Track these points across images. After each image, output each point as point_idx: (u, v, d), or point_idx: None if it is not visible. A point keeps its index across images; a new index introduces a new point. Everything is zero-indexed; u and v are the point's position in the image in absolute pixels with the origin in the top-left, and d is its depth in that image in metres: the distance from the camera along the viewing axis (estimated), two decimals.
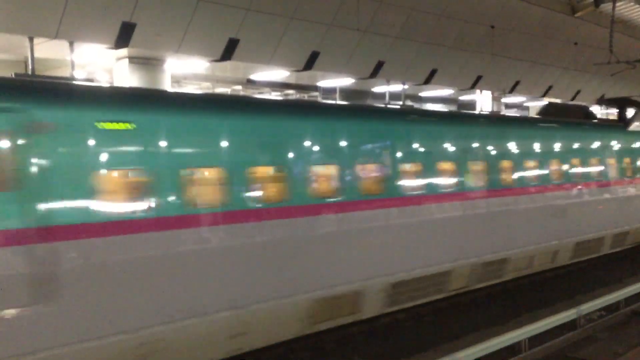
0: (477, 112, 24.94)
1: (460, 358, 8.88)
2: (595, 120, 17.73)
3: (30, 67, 13.89)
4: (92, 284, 7.20)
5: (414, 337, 11.14)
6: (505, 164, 13.14)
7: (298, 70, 18.44)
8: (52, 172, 6.97)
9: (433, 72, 21.92)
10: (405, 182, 10.86)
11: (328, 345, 10.42)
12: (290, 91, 24.60)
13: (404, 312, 11.61)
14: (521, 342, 10.10)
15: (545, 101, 31.77)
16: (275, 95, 24.06)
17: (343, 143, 10.05)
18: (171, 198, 7.87)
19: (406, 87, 23.68)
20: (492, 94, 27.20)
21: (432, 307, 12.18)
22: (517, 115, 30.70)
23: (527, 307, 12.98)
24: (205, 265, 8.16)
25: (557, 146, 14.77)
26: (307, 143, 9.55)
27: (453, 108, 30.68)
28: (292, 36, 16.82)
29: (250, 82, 21.99)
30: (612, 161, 16.72)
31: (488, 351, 9.46)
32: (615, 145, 17.07)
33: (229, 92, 22.70)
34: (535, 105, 33.73)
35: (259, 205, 8.74)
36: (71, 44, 13.70)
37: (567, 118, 16.51)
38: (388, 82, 22.18)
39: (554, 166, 14.48)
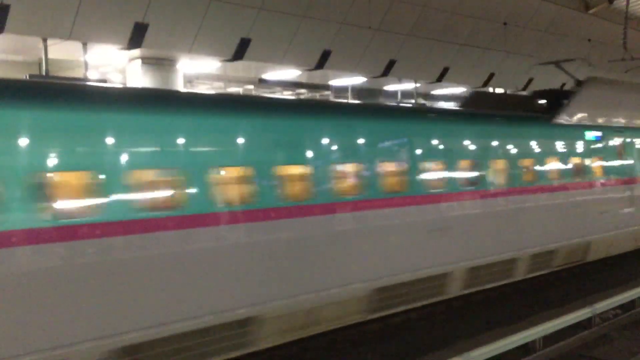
0: None
1: (473, 357, 8.85)
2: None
3: (44, 68, 14.01)
4: None
5: (427, 335, 11.11)
6: None
7: (310, 70, 18.45)
8: None
9: (445, 70, 21.85)
10: None
11: (341, 344, 10.42)
12: (302, 90, 24.61)
13: (416, 311, 11.59)
14: (535, 341, 10.04)
15: None
16: (287, 95, 24.07)
17: None
18: None
19: (418, 85, 23.64)
20: (505, 91, 27.06)
21: (445, 305, 12.15)
22: None
23: (541, 306, 12.91)
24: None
25: None
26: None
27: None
28: (303, 35, 16.83)
29: (262, 82, 22.04)
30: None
31: (502, 350, 9.42)
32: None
33: (240, 92, 22.76)
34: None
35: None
36: (84, 44, 13.80)
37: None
38: (400, 80, 22.15)
39: None
